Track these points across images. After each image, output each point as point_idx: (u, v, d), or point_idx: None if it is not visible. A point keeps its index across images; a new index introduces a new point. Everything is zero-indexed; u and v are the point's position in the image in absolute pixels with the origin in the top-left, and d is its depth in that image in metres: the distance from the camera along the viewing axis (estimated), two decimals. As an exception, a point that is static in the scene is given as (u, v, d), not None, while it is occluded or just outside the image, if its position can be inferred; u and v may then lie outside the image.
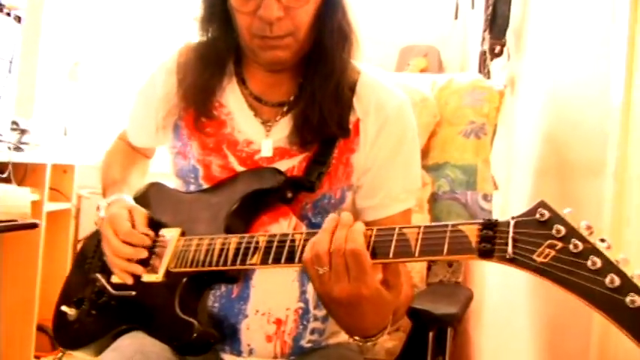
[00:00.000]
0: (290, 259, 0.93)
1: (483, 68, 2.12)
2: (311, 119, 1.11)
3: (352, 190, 1.17)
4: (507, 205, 1.87)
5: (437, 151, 1.69)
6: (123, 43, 3.20)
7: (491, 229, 0.77)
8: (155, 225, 1.17)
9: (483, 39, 2.12)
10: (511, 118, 1.87)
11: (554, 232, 0.73)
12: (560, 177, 1.46)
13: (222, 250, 1.02)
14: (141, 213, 1.16)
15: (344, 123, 1.14)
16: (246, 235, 1.01)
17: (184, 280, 1.08)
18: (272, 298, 1.12)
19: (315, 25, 1.09)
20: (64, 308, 1.20)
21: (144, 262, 1.12)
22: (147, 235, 1.12)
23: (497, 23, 1.91)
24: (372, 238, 0.86)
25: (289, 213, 1.13)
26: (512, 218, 0.77)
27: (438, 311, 1.18)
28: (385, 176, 1.15)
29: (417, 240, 0.83)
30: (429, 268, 1.62)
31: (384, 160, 1.15)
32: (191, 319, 1.03)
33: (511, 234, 0.76)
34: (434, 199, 1.65)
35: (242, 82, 1.19)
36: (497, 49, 2.03)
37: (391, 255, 0.84)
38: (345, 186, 1.15)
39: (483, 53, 2.10)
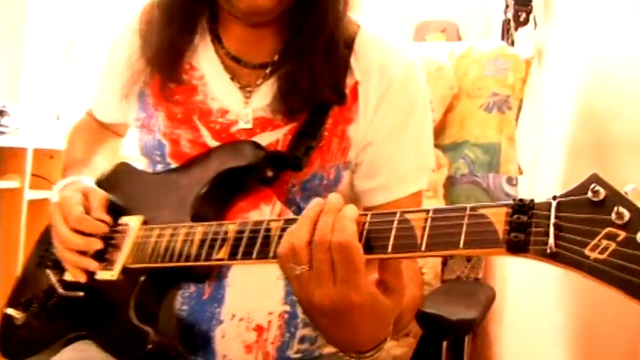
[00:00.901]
0: (263, 254, 0.73)
1: (507, 38, 1.90)
2: (299, 82, 0.91)
3: (349, 169, 0.97)
4: (534, 191, 1.65)
5: (454, 127, 1.48)
6: (118, 21, 3.01)
7: (524, 213, 0.56)
8: (118, 212, 0.98)
9: (507, 6, 1.90)
10: (538, 91, 1.65)
11: (613, 216, 0.52)
12: (599, 157, 1.25)
13: (185, 242, 0.82)
14: (98, 196, 0.97)
15: (339, 86, 0.93)
16: (214, 223, 0.81)
17: (142, 278, 0.89)
18: (251, 300, 0.92)
19: None
20: (9, 311, 1.02)
21: (100, 256, 0.94)
22: (102, 221, 0.93)
23: (523, -15, 1.69)
24: (366, 227, 0.65)
25: (272, 197, 0.93)
26: (554, 198, 0.56)
27: (454, 316, 0.97)
28: (390, 152, 0.95)
29: (424, 229, 0.62)
30: (444, 263, 1.41)
31: (388, 131, 0.94)
32: (146, 327, 0.84)
33: (553, 219, 0.55)
34: (450, 182, 1.44)
35: (217, 39, 0.99)
36: (523, 16, 1.81)
37: (390, 249, 0.63)
38: (340, 164, 0.95)
39: (507, 22, 1.89)
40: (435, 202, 1.36)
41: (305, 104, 0.92)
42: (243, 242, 0.75)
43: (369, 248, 0.64)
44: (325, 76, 0.91)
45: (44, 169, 2.29)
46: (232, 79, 0.96)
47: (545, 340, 1.45)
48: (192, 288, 0.93)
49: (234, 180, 0.90)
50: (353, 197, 1.00)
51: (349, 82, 0.94)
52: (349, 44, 0.95)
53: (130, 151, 1.21)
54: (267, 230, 0.74)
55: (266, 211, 0.92)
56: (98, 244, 0.92)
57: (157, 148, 0.98)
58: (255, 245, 0.74)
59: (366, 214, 0.66)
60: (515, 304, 1.72)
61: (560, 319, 1.33)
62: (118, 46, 1.05)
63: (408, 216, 0.64)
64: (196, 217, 0.88)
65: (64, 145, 1.21)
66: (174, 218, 0.89)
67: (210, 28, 0.99)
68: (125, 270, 0.90)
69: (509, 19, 1.85)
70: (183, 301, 0.93)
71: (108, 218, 0.94)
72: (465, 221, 0.59)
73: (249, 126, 0.94)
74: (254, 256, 0.74)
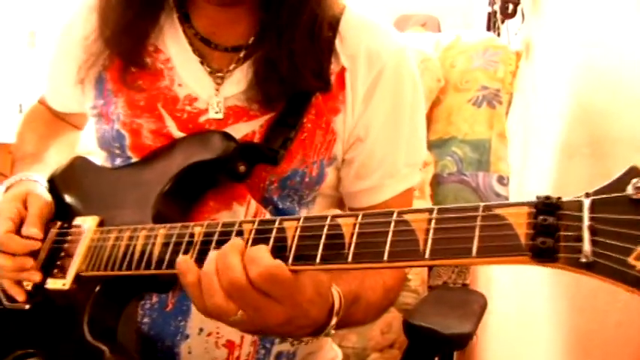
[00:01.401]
0: (235, 261, 0.62)
1: (493, 32, 1.81)
2: (278, 67, 0.81)
3: (333, 166, 0.87)
4: (523, 191, 1.57)
5: (441, 123, 1.38)
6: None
7: (551, 214, 0.47)
8: (73, 213, 0.87)
9: (493, -3, 1.81)
10: (526, 87, 1.57)
11: (662, 218, 0.43)
12: (594, 155, 1.17)
13: (145, 245, 0.71)
14: (37, 203, 0.84)
15: (323, 72, 0.83)
16: (179, 225, 0.70)
17: (97, 288, 0.77)
18: (222, 311, 0.82)
19: None
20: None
21: (51, 263, 0.82)
22: (32, 238, 0.81)
23: (511, -25, 1.61)
24: (357, 230, 0.56)
25: (246, 196, 0.82)
26: (587, 195, 0.47)
27: (448, 330, 0.87)
28: (384, 148, 0.85)
29: (427, 232, 0.52)
30: (430, 268, 1.32)
31: (382, 126, 0.85)
32: (101, 345, 0.73)
33: (586, 222, 0.45)
34: (437, 181, 1.35)
35: (185, 19, 0.88)
36: (510, 8, 1.72)
37: (386, 256, 0.53)
38: (324, 159, 0.85)
39: (493, 14, 1.80)
40: (422, 203, 1.27)
41: (284, 92, 0.82)
42: (212, 247, 0.65)
43: (359, 256, 0.55)
44: (308, 60, 0.81)
45: (5, 165, 2.14)
46: (202, 62, 0.86)
47: (537, 353, 1.37)
48: (155, 298, 0.82)
49: (201, 175, 0.79)
50: (335, 198, 0.90)
51: (334, 68, 0.84)
52: (334, 26, 0.85)
53: (89, 144, 1.09)
54: (240, 233, 0.63)
55: (239, 212, 0.82)
56: (29, 263, 0.80)
57: (116, 140, 0.87)
58: (226, 251, 0.63)
59: (357, 215, 0.57)
60: (502, 312, 1.64)
61: (553, 328, 1.24)
62: (73, 25, 0.94)
63: (407, 217, 0.54)
64: (158, 218, 0.77)
65: (15, 138, 1.08)
66: (133, 219, 0.79)
67: (177, 6, 0.88)
68: (79, 278, 0.79)
69: (496, 11, 1.77)
70: (144, 313, 0.82)
71: (39, 234, 0.82)
72: (478, 223, 0.50)
73: (220, 116, 0.83)
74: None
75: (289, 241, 0.59)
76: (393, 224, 0.54)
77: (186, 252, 0.67)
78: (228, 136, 0.79)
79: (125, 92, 0.87)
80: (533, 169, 1.51)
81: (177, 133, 0.84)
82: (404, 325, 0.89)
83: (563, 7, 1.44)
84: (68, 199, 0.90)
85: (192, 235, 0.67)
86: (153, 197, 0.79)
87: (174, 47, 0.87)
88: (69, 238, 0.84)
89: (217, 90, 0.84)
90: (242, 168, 0.78)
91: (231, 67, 0.85)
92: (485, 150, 1.32)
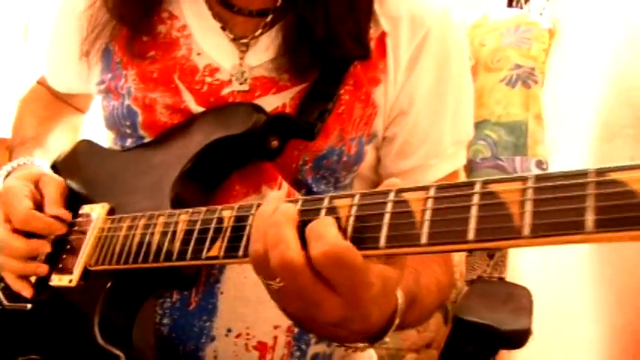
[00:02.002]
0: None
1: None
2: (312, 31, 0.71)
3: (373, 144, 0.77)
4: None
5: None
6: None
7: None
8: (79, 201, 0.77)
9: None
10: (558, 66, 1.47)
11: None
12: (639, 136, 1.08)
13: (164, 234, 0.61)
14: (54, 184, 0.76)
15: (362, 37, 0.73)
16: (203, 209, 0.60)
17: (109, 284, 0.67)
18: (252, 310, 0.72)
19: None
20: None
21: (55, 257, 0.73)
22: (59, 218, 0.72)
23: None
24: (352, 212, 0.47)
25: (277, 177, 0.72)
26: None
27: (505, 326, 0.77)
28: (429, 123, 0.76)
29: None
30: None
31: (427, 97, 0.75)
32: (115, 350, 0.63)
33: None
34: (470, 167, 1.25)
35: None
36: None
37: (425, 239, 0.44)
38: (363, 135, 0.75)
39: (517, -7, 1.71)
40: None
41: (318, 59, 0.72)
42: (246, 233, 0.55)
43: (437, 236, 0.44)
44: (346, 22, 0.71)
45: (3, 160, 2.04)
46: (223, 29, 0.75)
47: (576, 352, 1.26)
48: (176, 296, 0.72)
49: (226, 154, 0.69)
50: (373, 182, 0.80)
51: (373, 33, 0.74)
52: None
53: (96, 127, 0.99)
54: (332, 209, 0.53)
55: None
56: (47, 248, 0.72)
57: (127, 117, 0.77)
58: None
59: (427, 188, 0.46)
60: (537, 309, 1.53)
61: (596, 327, 1.14)
62: None
63: (493, 187, 0.44)
64: (177, 203, 0.67)
65: (12, 122, 0.99)
66: (148, 205, 0.69)
67: None
68: (87, 274, 0.70)
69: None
70: (163, 313, 0.72)
71: (66, 214, 0.73)
72: (591, 192, 0.40)
73: (245, 88, 0.73)
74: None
75: (343, 222, 0.49)
76: (477, 197, 0.44)
77: (214, 240, 0.57)
78: (257, 108, 0.69)
79: (136, 64, 0.77)
80: (566, 153, 1.41)
81: (196, 108, 0.74)
82: (454, 322, 0.79)
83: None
84: (73, 186, 0.81)
85: (220, 220, 0.57)
86: (170, 180, 0.69)
87: (190, 12, 0.77)
88: (75, 229, 0.74)
89: (241, 59, 0.74)
90: (274, 143, 0.68)
91: (256, 33, 0.75)
92: (522, 133, 1.22)
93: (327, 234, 0.44)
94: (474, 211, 0.43)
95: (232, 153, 0.69)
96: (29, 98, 0.99)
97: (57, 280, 0.72)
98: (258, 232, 0.48)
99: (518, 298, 0.92)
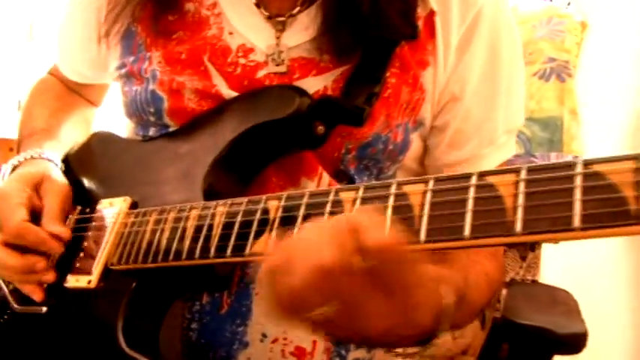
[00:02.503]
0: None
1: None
2: (356, 7, 0.64)
3: (419, 132, 0.71)
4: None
5: (504, 100, 1.22)
6: None
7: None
8: (94, 195, 0.71)
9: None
10: (590, 59, 1.41)
11: None
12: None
13: (198, 228, 0.55)
14: (56, 192, 0.69)
15: (409, 14, 0.67)
16: (244, 199, 0.54)
17: (134, 285, 0.61)
18: (289, 313, 0.65)
19: None
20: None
21: (70, 258, 0.66)
22: (57, 237, 0.65)
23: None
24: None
25: (318, 168, 0.66)
26: None
27: (562, 329, 0.71)
28: (482, 109, 0.69)
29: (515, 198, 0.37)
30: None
31: (479, 81, 0.69)
32: (140, 357, 0.56)
33: None
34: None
35: None
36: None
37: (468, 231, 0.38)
38: (409, 122, 0.68)
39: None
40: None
41: (362, 39, 0.66)
42: (298, 225, 0.48)
43: (530, 224, 0.38)
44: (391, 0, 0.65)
45: (3, 162, 1.97)
46: (258, 6, 0.69)
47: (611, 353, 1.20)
48: (206, 298, 0.66)
49: (265, 142, 0.63)
50: (417, 174, 0.74)
51: (421, 12, 0.68)
52: None
53: (109, 120, 0.93)
54: (337, 204, 0.47)
55: (309, 188, 0.65)
56: (41, 265, 0.65)
57: (151, 103, 0.70)
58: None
59: (517, 170, 0.40)
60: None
61: (629, 329, 1.08)
62: None
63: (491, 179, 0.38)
64: (210, 195, 0.60)
65: (20, 114, 0.92)
66: (177, 198, 0.63)
67: None
68: (108, 274, 0.63)
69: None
70: (192, 317, 0.65)
71: (66, 232, 0.66)
72: (578, 184, 0.34)
73: (283, 69, 0.67)
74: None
75: (416, 211, 0.43)
76: (580, 178, 0.37)
77: (259, 233, 0.50)
78: (300, 91, 0.62)
79: (161, 45, 0.71)
80: (602, 147, 1.35)
81: (228, 93, 0.67)
82: (504, 325, 0.72)
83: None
84: (89, 180, 0.74)
85: (266, 211, 0.51)
86: (202, 170, 0.62)
87: None
88: (93, 224, 0.68)
89: (278, 38, 0.68)
90: (320, 129, 0.61)
91: (294, 11, 0.68)
92: (557, 128, 1.16)
93: (381, 224, 0.39)
94: (578, 194, 0.37)
95: (272, 140, 0.62)
96: (39, 89, 0.93)
97: (73, 282, 0.65)
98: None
99: (565, 301, 0.86)
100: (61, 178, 0.72)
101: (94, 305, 0.64)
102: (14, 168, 0.74)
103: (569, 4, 1.57)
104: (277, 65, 0.67)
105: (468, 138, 0.70)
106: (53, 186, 0.69)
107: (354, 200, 0.46)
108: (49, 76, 0.94)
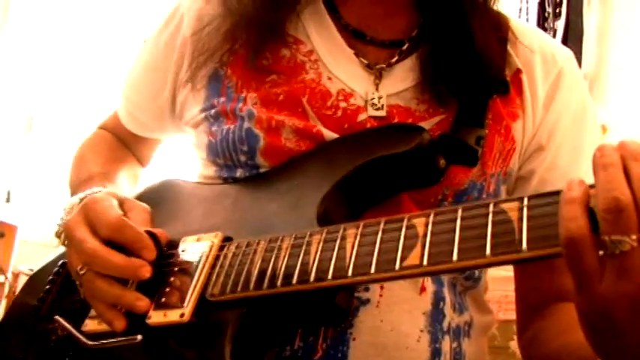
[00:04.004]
0: (506, 246, 0.45)
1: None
2: (453, 62, 0.68)
3: (507, 185, 0.72)
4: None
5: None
6: (79, 96, 2.65)
7: None
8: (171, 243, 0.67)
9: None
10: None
11: None
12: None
13: (327, 249, 0.53)
14: (141, 208, 0.67)
15: (501, 71, 0.71)
16: (380, 220, 0.52)
17: (241, 317, 0.56)
18: (387, 359, 0.62)
19: None
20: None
21: (148, 291, 0.62)
22: (151, 238, 0.62)
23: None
24: None
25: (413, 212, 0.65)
26: None
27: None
28: (568, 158, 0.72)
29: None
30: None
31: (566, 131, 0.73)
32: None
33: None
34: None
35: (332, 10, 0.75)
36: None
37: None
38: (501, 173, 0.70)
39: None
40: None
41: (457, 90, 0.69)
42: (456, 238, 0.47)
43: None
44: (490, 54, 0.69)
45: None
46: (357, 55, 0.72)
47: None
48: (298, 343, 0.61)
49: (383, 177, 0.62)
50: None
51: (508, 71, 0.72)
52: (500, 28, 0.74)
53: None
54: (500, 213, 0.47)
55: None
56: (147, 270, 0.60)
57: (245, 141, 0.69)
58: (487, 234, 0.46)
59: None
60: None
61: None
62: (171, 26, 0.79)
63: None
64: (323, 220, 0.59)
65: (71, 164, 0.89)
66: (284, 229, 0.60)
67: None
68: (204, 307, 0.58)
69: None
70: (277, 364, 0.61)
71: (162, 232, 0.64)
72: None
73: (382, 114, 0.68)
74: (488, 251, 0.45)
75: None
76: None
77: (407, 250, 0.49)
78: (419, 127, 0.63)
79: (254, 87, 0.71)
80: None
81: (329, 134, 0.67)
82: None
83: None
84: (166, 220, 0.71)
85: (412, 227, 0.50)
86: (313, 204, 0.61)
87: (319, 38, 0.73)
88: (178, 260, 0.64)
89: (377, 85, 0.70)
90: (442, 162, 0.61)
91: (392, 61, 0.71)
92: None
93: None
94: None
95: (392, 175, 0.62)
96: (92, 141, 0.91)
97: (160, 317, 0.60)
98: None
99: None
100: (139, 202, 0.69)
101: (180, 343, 0.59)
102: (81, 201, 0.70)
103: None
104: (377, 110, 0.68)
105: (551, 187, 0.71)
106: (135, 205, 0.67)
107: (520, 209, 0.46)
108: (101, 130, 0.93)
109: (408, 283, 0.65)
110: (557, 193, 0.45)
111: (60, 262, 0.75)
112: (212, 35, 0.75)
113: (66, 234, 0.66)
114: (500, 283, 1.02)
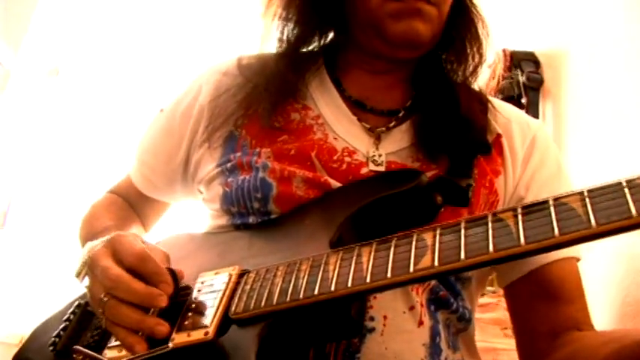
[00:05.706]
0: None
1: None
2: (443, 126, 0.80)
3: None
4: None
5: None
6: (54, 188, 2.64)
7: None
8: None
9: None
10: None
11: None
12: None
13: (344, 265, 0.60)
14: (159, 250, 0.72)
15: (484, 136, 0.83)
16: (391, 237, 0.60)
17: (264, 331, 0.61)
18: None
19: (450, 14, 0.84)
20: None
21: (169, 317, 0.66)
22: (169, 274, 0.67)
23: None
24: None
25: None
26: None
27: None
28: None
29: None
30: None
31: (543, 183, 0.84)
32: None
33: None
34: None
35: (336, 83, 0.87)
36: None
37: None
38: None
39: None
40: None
41: (447, 151, 0.80)
42: (462, 246, 0.55)
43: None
44: (475, 118, 0.81)
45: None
46: (359, 120, 0.83)
47: None
48: (310, 363, 0.66)
49: (386, 213, 0.70)
50: (488, 274, 0.84)
51: (489, 135, 0.84)
52: (482, 101, 0.87)
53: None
54: (497, 221, 0.55)
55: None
56: (163, 300, 0.65)
57: (259, 189, 0.77)
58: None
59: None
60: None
61: None
62: (200, 90, 0.90)
63: None
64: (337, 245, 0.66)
65: (81, 223, 0.94)
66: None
67: (328, 72, 0.88)
68: (226, 325, 0.63)
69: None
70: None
71: (180, 271, 0.69)
72: None
73: (382, 168, 0.78)
74: (491, 248, 0.53)
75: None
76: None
77: (419, 257, 0.56)
78: (417, 170, 0.73)
79: (267, 144, 0.81)
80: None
81: (335, 183, 0.76)
82: None
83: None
84: (181, 264, 0.76)
85: (422, 239, 0.58)
86: (326, 235, 0.68)
87: (326, 105, 0.84)
88: (198, 290, 0.69)
89: (376, 145, 0.80)
90: (439, 199, 0.70)
91: (390, 125, 0.82)
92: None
93: None
94: None
95: (394, 212, 0.70)
96: (102, 202, 0.98)
97: (183, 338, 0.64)
98: None
99: None
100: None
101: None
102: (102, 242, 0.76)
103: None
104: (377, 165, 0.79)
105: None
106: (156, 247, 0.72)
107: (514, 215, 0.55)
108: (110, 194, 0.99)
109: (407, 315, 0.71)
110: (545, 202, 0.54)
111: (75, 303, 0.79)
112: (229, 102, 0.85)
113: (90, 265, 0.70)
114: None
